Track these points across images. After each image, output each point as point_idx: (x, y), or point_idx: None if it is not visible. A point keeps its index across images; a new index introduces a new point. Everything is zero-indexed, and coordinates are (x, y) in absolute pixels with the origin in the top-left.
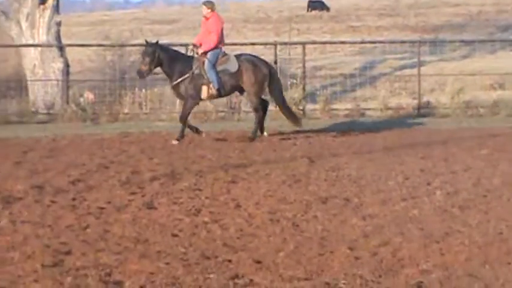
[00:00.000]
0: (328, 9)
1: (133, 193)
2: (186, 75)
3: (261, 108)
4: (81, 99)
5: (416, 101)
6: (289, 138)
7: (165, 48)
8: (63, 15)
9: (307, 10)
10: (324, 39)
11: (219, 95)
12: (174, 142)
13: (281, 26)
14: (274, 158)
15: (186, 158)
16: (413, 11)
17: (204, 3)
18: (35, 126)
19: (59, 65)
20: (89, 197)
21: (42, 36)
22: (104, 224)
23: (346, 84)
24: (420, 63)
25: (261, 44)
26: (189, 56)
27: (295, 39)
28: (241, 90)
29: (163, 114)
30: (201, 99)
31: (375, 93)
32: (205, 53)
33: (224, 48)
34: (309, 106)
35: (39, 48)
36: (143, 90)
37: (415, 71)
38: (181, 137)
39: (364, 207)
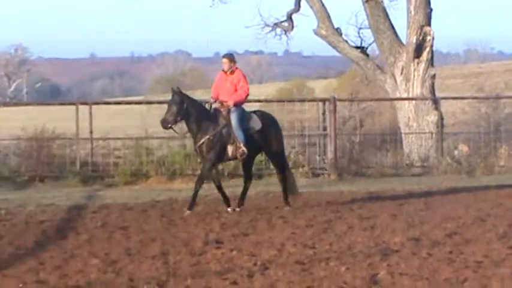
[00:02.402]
0: None
1: (511, 247)
2: (213, 133)
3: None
4: (456, 152)
5: None
6: None
7: (193, 101)
8: (437, 67)
9: None
10: None
11: (247, 154)
12: (187, 213)
13: None
14: None
15: None
16: None
17: (226, 57)
18: (409, 178)
19: (433, 117)
20: (466, 251)
21: (416, 90)
22: (482, 278)
23: None
24: None
25: None
26: (213, 113)
27: None
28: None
29: None
30: (225, 160)
31: None
32: (228, 109)
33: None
34: None
35: (414, 102)
36: None
37: None
38: (192, 205)
39: None
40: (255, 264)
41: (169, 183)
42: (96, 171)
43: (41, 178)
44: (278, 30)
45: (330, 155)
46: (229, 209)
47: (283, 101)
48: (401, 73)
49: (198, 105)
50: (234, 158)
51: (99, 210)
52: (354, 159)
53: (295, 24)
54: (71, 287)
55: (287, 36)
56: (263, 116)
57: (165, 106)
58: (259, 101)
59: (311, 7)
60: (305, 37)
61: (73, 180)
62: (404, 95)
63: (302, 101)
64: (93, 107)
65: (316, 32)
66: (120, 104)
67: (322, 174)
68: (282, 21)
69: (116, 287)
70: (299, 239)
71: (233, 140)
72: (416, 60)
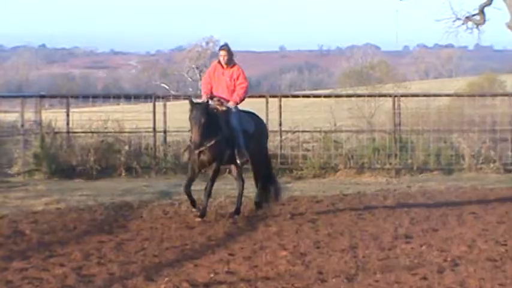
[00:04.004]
0: None
1: None
2: (218, 138)
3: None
4: None
5: None
6: None
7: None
8: None
9: None
10: None
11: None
12: (198, 219)
13: None
14: None
15: None
16: None
17: (225, 48)
18: None
19: None
20: None
21: None
22: None
23: None
24: None
25: None
26: (213, 114)
27: None
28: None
29: None
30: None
31: None
32: (227, 110)
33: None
34: None
35: None
36: None
37: None
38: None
39: None
40: (445, 260)
41: (357, 177)
42: (284, 163)
43: (230, 170)
44: (469, 23)
45: None
46: (194, 209)
47: (474, 96)
48: None
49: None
50: (233, 163)
51: (288, 202)
52: None
53: (487, 17)
54: (260, 278)
55: (478, 29)
56: (253, 117)
57: (354, 100)
58: (449, 95)
59: (504, 0)
60: (497, 31)
61: None
62: None
63: (494, 95)
64: (282, 99)
65: (508, 26)
66: (309, 97)
67: None
68: (473, 15)
69: (305, 280)
70: (490, 235)
71: (233, 144)
72: None
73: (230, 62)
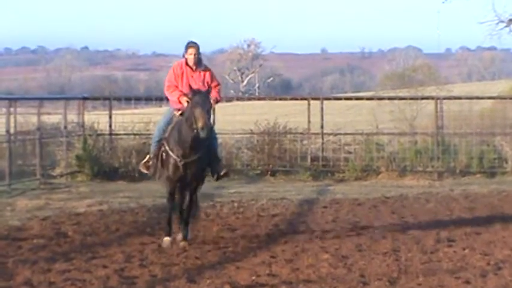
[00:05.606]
0: None
1: None
2: (204, 149)
3: None
4: None
5: None
6: None
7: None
8: None
9: None
10: None
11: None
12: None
13: None
14: None
15: None
16: None
17: (194, 45)
18: None
19: None
20: None
21: None
22: None
23: None
24: None
25: None
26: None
27: None
28: None
29: None
30: None
31: None
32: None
33: None
34: None
35: None
36: None
37: None
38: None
39: None
40: (488, 263)
41: (399, 180)
42: (326, 166)
43: (272, 172)
44: None
45: None
46: (166, 238)
47: None
48: None
49: None
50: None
51: (329, 205)
52: None
53: None
54: (302, 281)
55: None
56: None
57: (396, 102)
58: (492, 97)
59: None
60: None
61: (304, 174)
62: None
63: None
64: (324, 102)
65: None
66: (351, 99)
67: None
68: None
69: (347, 283)
70: None
71: (211, 156)
72: None
73: (200, 63)
